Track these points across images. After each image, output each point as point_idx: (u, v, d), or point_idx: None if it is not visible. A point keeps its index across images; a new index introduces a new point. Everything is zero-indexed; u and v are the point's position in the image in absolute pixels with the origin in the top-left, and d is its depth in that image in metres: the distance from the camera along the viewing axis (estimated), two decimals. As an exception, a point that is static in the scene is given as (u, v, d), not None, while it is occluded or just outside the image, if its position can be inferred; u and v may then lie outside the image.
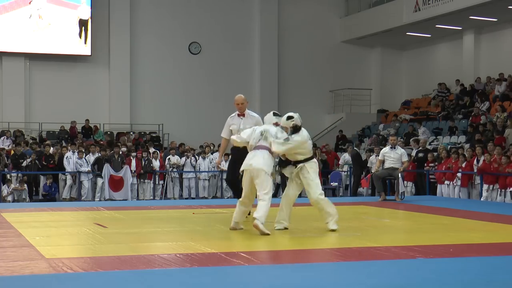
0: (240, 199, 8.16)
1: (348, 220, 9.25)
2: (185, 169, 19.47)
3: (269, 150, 7.99)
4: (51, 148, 19.21)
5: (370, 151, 18.80)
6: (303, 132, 8.22)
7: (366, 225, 9.06)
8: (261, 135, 8.08)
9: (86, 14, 24.48)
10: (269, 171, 7.86)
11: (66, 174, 18.42)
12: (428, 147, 19.15)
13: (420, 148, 18.10)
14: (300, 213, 9.98)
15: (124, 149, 19.46)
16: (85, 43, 24.44)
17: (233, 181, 9.40)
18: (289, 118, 8.22)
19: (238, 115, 9.39)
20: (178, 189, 19.38)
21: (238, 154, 8.87)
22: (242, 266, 5.77)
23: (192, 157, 19.61)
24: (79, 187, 18.29)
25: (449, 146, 18.56)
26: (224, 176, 19.62)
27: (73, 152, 18.58)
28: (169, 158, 19.28)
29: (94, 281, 5.17)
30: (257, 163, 7.85)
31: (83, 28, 24.38)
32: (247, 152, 8.36)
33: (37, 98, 24.38)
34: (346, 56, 27.74)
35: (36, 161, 18.26)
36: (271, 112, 8.41)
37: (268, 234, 7.61)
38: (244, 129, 8.76)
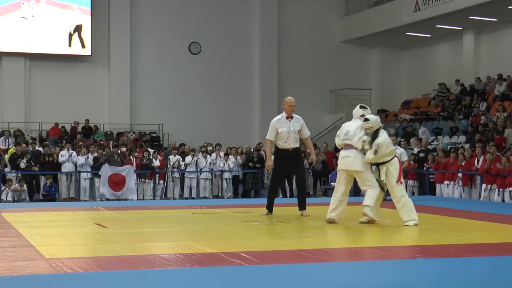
0: (341, 198, 8.71)
1: (348, 220, 9.23)
2: (189, 169, 19.44)
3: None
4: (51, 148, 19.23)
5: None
6: (384, 134, 8.70)
7: (366, 225, 9.05)
8: (345, 135, 8.82)
9: (80, 19, 24.45)
10: (362, 168, 8.58)
11: (62, 173, 18.42)
12: (428, 147, 19.12)
13: (422, 148, 18.09)
14: (300, 213, 9.98)
15: (123, 149, 19.44)
16: (83, 46, 24.41)
17: (275, 189, 10.04)
18: (365, 120, 8.67)
19: (287, 117, 9.66)
20: (178, 189, 19.36)
21: (281, 160, 9.62)
22: (242, 266, 5.76)
23: (199, 157, 19.60)
24: (78, 187, 18.29)
25: (449, 146, 18.54)
26: (225, 176, 19.74)
27: (67, 150, 18.59)
28: (169, 158, 19.26)
29: (94, 281, 5.16)
30: (352, 166, 8.61)
31: (76, 33, 24.33)
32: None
33: (37, 98, 24.37)
34: (346, 56, 27.73)
35: (31, 161, 18.24)
36: (358, 106, 9.02)
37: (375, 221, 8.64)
38: (294, 131, 9.54)
